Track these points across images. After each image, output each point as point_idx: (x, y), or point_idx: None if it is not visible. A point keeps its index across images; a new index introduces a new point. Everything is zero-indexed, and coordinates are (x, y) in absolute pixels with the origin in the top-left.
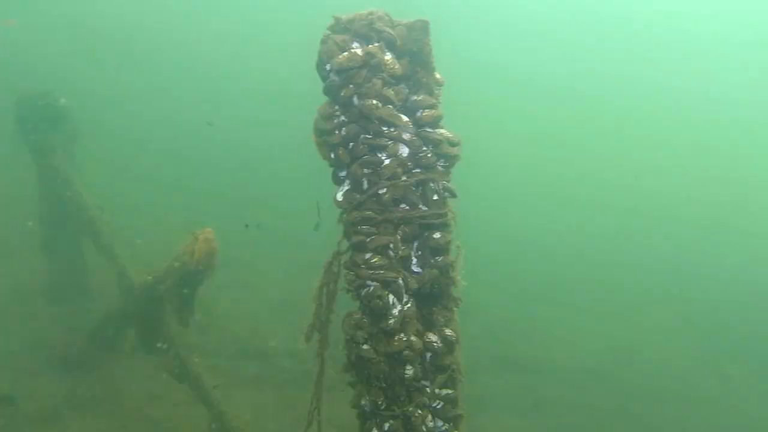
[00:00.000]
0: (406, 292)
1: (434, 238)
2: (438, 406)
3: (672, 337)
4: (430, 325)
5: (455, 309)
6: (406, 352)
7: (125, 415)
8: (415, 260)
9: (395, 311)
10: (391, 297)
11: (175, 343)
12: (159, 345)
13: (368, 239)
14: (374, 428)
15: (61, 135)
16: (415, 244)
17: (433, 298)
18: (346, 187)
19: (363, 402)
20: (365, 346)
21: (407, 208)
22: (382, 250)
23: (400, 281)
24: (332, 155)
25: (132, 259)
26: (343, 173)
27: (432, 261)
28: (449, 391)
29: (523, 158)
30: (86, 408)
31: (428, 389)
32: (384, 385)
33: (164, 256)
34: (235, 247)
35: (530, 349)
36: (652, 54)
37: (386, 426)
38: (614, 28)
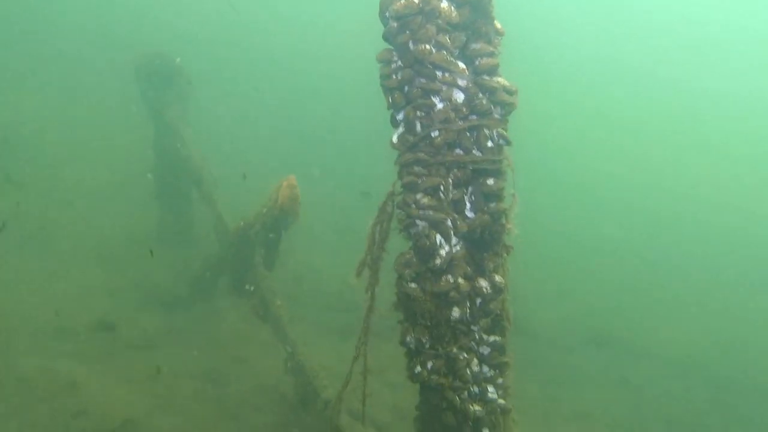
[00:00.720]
0: (455, 235)
1: (487, 184)
2: (485, 352)
3: None
4: (481, 271)
5: (506, 256)
6: (452, 294)
7: (213, 351)
8: (468, 205)
9: (443, 252)
10: (438, 237)
11: (260, 286)
12: (247, 287)
13: (419, 180)
14: (418, 366)
15: (175, 92)
16: (470, 190)
17: (484, 244)
18: (401, 130)
19: (408, 339)
20: (413, 285)
21: (461, 152)
22: (432, 192)
23: (449, 223)
24: (389, 98)
25: (232, 207)
26: (400, 116)
27: (484, 207)
28: (497, 338)
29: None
30: (178, 342)
31: (476, 334)
32: (429, 324)
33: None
34: (351, 216)
35: (626, 331)
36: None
37: (429, 365)
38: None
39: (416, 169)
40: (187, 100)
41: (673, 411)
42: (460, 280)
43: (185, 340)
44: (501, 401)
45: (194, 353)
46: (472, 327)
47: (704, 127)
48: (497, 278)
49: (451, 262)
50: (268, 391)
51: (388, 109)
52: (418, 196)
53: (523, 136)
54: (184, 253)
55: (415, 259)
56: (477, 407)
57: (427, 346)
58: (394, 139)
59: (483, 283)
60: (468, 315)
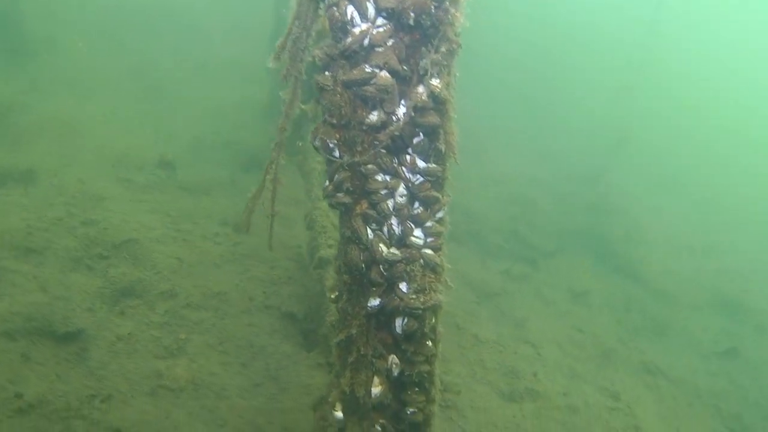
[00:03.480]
0: (377, 11)
1: None
2: (416, 181)
3: None
4: (418, 72)
5: (449, 53)
6: (368, 88)
7: (259, 206)
8: None
9: (356, 30)
10: (350, 9)
11: (306, 142)
12: (298, 143)
13: None
14: (326, 179)
15: None
16: None
17: (422, 35)
18: None
19: (316, 142)
20: (326, 73)
21: None
22: None
23: None
24: None
25: None
26: None
27: None
28: (431, 166)
29: None
30: (230, 194)
31: (408, 156)
32: (334, 122)
33: None
34: None
35: (757, 301)
36: None
37: (336, 177)
38: None
39: None
40: None
41: None
42: (381, 73)
43: (237, 194)
44: (427, 251)
45: (237, 205)
46: (406, 147)
47: None
48: (434, 82)
49: (370, 47)
50: (285, 249)
51: None
52: None
53: None
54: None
55: (329, 41)
56: (392, 250)
57: (336, 153)
58: None
59: (419, 89)
60: (392, 124)
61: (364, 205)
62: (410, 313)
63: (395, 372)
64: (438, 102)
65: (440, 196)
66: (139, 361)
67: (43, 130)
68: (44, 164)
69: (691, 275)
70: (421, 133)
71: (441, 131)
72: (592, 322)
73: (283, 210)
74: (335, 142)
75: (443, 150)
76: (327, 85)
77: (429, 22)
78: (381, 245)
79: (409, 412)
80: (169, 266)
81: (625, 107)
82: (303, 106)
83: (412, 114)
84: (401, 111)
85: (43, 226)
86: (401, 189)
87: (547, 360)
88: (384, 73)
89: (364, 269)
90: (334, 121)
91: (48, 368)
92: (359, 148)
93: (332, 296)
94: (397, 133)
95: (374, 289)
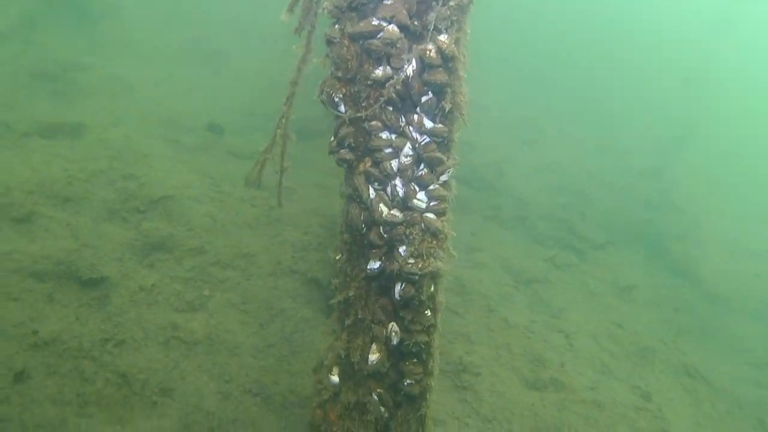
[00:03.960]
0: None
1: None
2: (422, 141)
3: None
4: (427, 29)
5: (459, 8)
6: (374, 42)
7: (301, 174)
8: None
9: None
10: None
11: None
12: None
13: None
14: (332, 136)
15: None
16: None
17: None
18: None
19: (323, 96)
20: (337, 26)
21: None
22: None
23: None
24: None
25: None
26: None
27: None
28: (439, 126)
29: None
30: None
31: (416, 116)
32: (340, 75)
33: None
34: None
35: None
36: None
37: (339, 132)
38: None
39: None
40: None
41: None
42: (389, 27)
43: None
44: (429, 215)
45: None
46: (414, 105)
47: None
48: (443, 39)
49: (378, 0)
50: (320, 216)
51: None
52: None
53: None
54: None
55: None
56: (393, 211)
57: (341, 107)
58: None
59: (429, 46)
60: (399, 82)
61: (368, 163)
62: (407, 278)
63: (394, 340)
64: (446, 59)
65: (445, 159)
66: (159, 312)
67: (99, 89)
68: (95, 120)
69: (751, 281)
70: (429, 92)
71: (449, 90)
72: (634, 318)
73: (324, 180)
74: (341, 96)
75: (449, 109)
76: (334, 38)
77: None
78: (381, 205)
79: (405, 384)
80: (202, 224)
81: (693, 105)
82: (315, 60)
83: (417, 70)
84: (409, 67)
85: (84, 177)
86: (407, 149)
87: (579, 352)
88: (392, 27)
89: (364, 229)
90: (340, 75)
91: (69, 310)
92: (364, 104)
93: (336, 257)
94: (398, 87)
95: (374, 251)
